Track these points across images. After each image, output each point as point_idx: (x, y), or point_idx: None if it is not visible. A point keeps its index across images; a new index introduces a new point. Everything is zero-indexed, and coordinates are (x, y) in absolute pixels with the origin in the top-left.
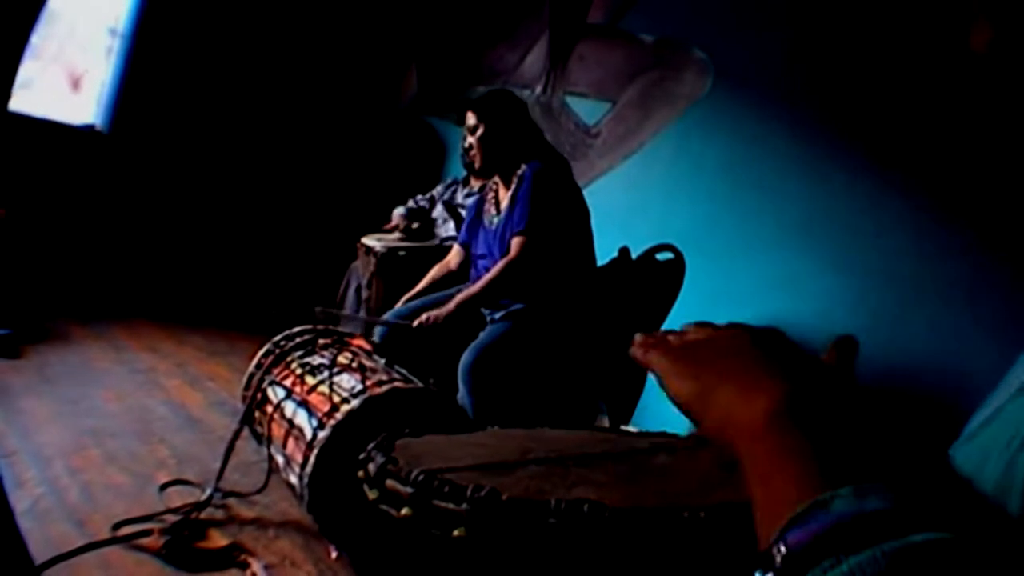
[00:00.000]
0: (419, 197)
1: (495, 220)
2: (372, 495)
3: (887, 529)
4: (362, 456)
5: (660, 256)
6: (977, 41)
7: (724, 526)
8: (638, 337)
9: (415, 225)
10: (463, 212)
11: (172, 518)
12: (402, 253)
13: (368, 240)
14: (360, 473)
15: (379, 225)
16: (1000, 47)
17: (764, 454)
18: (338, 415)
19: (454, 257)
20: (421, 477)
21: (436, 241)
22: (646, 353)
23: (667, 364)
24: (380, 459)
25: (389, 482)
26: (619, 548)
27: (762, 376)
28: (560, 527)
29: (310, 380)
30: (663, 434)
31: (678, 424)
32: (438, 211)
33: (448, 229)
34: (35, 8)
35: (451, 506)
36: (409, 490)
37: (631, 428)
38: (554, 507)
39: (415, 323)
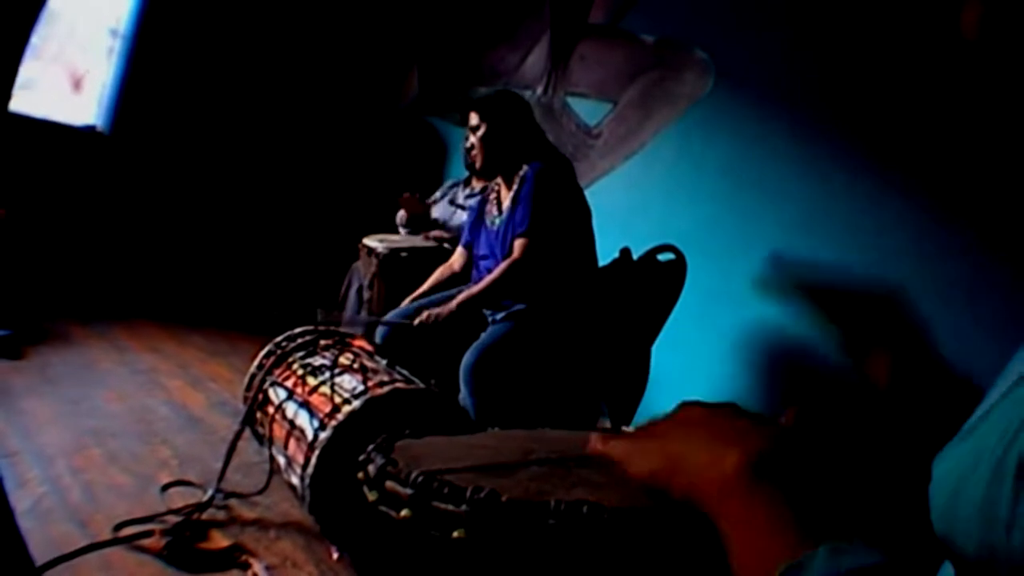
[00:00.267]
0: None
1: (496, 221)
2: (372, 496)
3: None
4: (362, 457)
5: (661, 257)
6: (967, 24)
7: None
8: (596, 434)
9: (427, 202)
10: (463, 212)
11: (174, 519)
12: (404, 254)
13: (370, 241)
14: (360, 474)
15: (381, 226)
16: (989, 29)
17: (737, 509)
18: (339, 416)
19: (457, 259)
20: (420, 478)
21: (447, 235)
22: (605, 443)
23: (627, 446)
24: (380, 460)
25: (388, 483)
26: (619, 549)
27: (728, 438)
28: (560, 528)
29: (311, 381)
30: None
31: None
32: (441, 210)
33: (460, 217)
34: (35, 8)
35: (451, 507)
36: (408, 491)
37: (632, 429)
38: (554, 508)
39: (416, 321)
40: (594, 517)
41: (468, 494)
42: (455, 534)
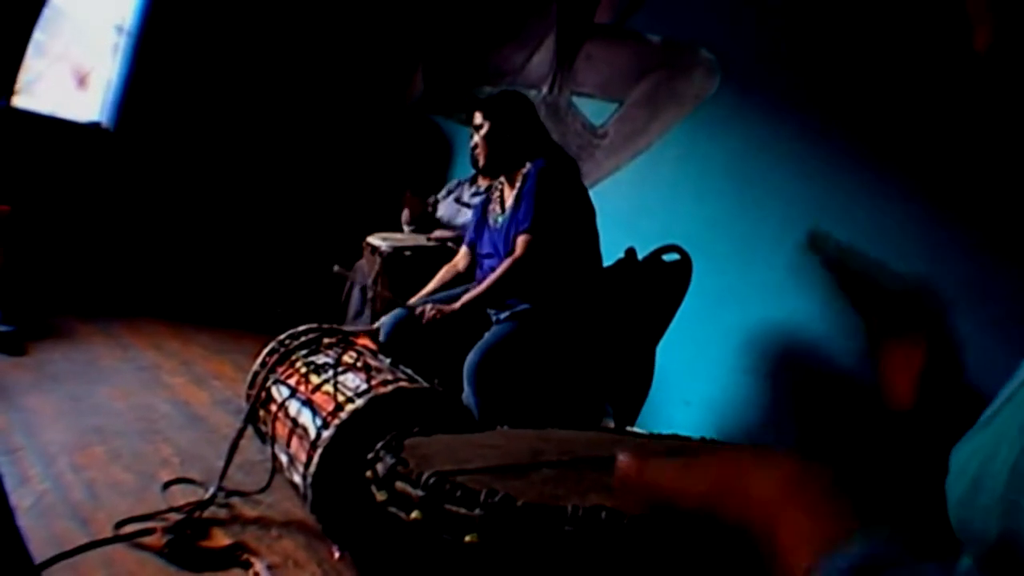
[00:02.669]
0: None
1: (500, 219)
2: (381, 497)
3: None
4: (370, 456)
5: (667, 257)
6: (980, 42)
7: (744, 534)
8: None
9: (430, 208)
10: (468, 211)
11: (175, 517)
12: (407, 253)
13: (373, 239)
14: (368, 473)
15: (385, 224)
16: (1001, 48)
17: (793, 508)
18: (343, 414)
19: (461, 259)
20: (432, 480)
21: (451, 234)
22: (640, 472)
23: (671, 471)
24: (389, 460)
25: (399, 484)
26: (637, 557)
27: (772, 459)
28: (577, 535)
29: (315, 379)
30: (675, 437)
31: (688, 427)
32: (445, 209)
33: (464, 215)
34: (37, 4)
35: (463, 511)
36: (420, 493)
37: (637, 430)
38: (571, 514)
39: (417, 310)
40: (613, 524)
41: (482, 497)
42: (467, 538)
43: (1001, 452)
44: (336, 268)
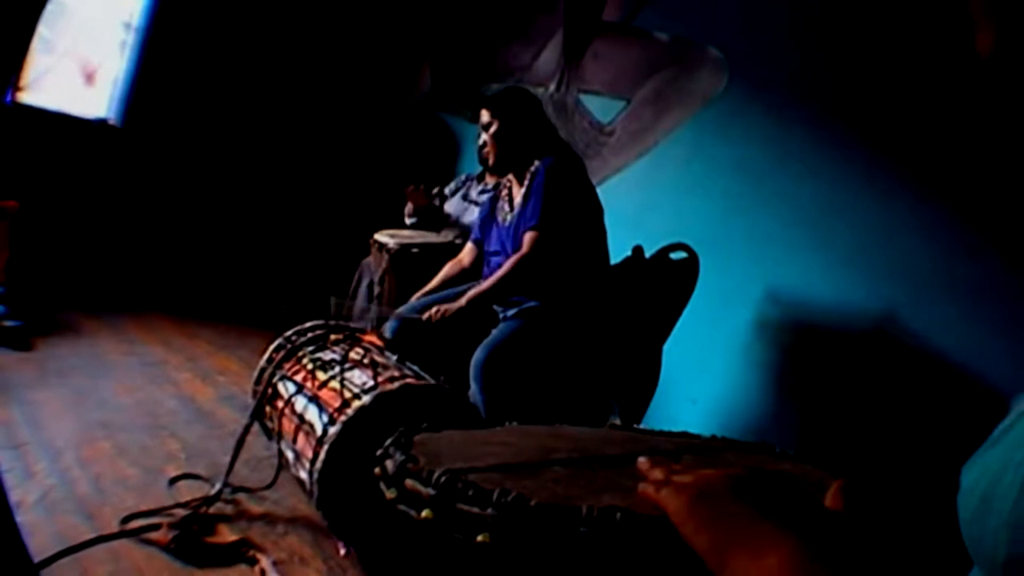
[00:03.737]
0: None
1: (508, 217)
2: (390, 495)
3: None
4: (379, 452)
5: (674, 255)
6: (982, 44)
7: None
8: (644, 469)
9: (436, 201)
10: (476, 208)
11: (181, 512)
12: (415, 250)
13: (381, 236)
14: (377, 470)
15: (392, 221)
16: (1003, 51)
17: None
18: (349, 411)
19: (467, 255)
20: (444, 478)
21: (454, 235)
22: (658, 491)
23: (679, 509)
24: (399, 457)
25: (409, 482)
26: (653, 559)
27: (770, 532)
28: (591, 536)
29: (321, 375)
30: (685, 434)
31: (694, 425)
32: (454, 206)
33: (472, 213)
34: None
35: (476, 510)
36: (431, 491)
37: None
38: (585, 515)
39: (425, 316)
40: (628, 525)
41: (495, 497)
42: (479, 538)
43: (1007, 475)
44: (333, 302)
